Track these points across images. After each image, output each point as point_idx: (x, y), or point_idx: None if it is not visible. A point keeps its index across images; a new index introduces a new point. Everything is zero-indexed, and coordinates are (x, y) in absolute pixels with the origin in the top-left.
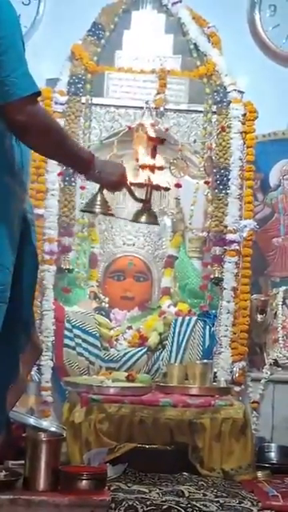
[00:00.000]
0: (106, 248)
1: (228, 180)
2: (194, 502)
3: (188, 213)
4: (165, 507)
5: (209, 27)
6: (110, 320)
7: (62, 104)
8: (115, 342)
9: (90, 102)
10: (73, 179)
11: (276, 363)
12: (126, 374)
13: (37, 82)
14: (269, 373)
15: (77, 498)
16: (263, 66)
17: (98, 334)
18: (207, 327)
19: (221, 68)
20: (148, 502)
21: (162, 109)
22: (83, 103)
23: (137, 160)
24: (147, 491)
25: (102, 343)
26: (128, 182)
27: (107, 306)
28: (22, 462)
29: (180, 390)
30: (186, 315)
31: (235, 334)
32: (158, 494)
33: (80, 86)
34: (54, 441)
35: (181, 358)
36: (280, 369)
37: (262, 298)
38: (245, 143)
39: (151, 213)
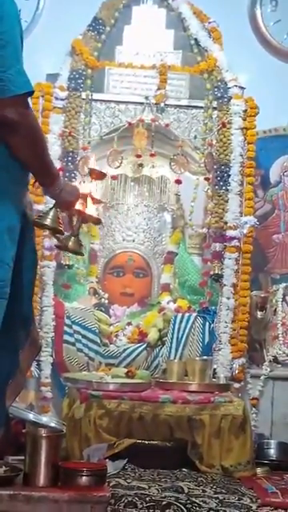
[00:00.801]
0: (106, 244)
1: (228, 176)
2: (194, 498)
3: (188, 209)
4: (164, 503)
5: (209, 22)
6: (110, 316)
7: (62, 99)
8: (115, 338)
9: (90, 97)
10: (72, 175)
11: (275, 360)
12: (126, 370)
13: (37, 77)
14: (268, 369)
15: (76, 493)
16: (264, 61)
17: (97, 330)
18: (207, 324)
19: (221, 63)
20: (147, 498)
21: (162, 104)
22: (83, 98)
23: (137, 156)
24: (147, 487)
25: (102, 339)
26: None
27: (107, 302)
28: (22, 457)
29: (179, 386)
30: (185, 311)
31: (235, 330)
32: (157, 490)
33: (80, 81)
34: (53, 436)
35: (180, 355)
36: (279, 365)
37: (262, 295)
38: (245, 139)
39: (77, 240)
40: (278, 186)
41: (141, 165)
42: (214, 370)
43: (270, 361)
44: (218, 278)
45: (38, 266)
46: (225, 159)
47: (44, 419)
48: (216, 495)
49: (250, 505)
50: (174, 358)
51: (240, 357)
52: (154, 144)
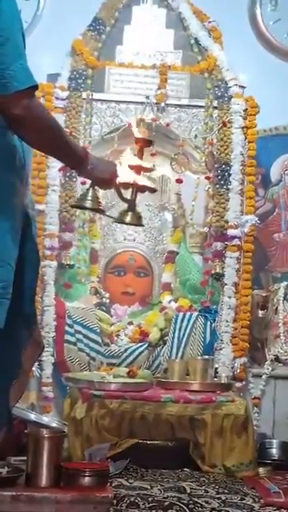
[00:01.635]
0: (107, 243)
1: (229, 175)
2: (196, 499)
3: (189, 208)
4: (166, 503)
5: (210, 22)
6: (111, 315)
7: (62, 99)
8: (116, 338)
9: (90, 97)
10: (74, 175)
11: (277, 359)
12: (127, 369)
13: (38, 77)
14: (270, 368)
15: (79, 494)
16: (264, 60)
17: (98, 330)
18: (208, 323)
19: (222, 63)
20: (150, 499)
21: (163, 104)
22: (84, 98)
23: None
24: (149, 487)
25: (103, 339)
26: (117, 181)
27: (108, 301)
28: (24, 458)
29: (181, 385)
30: (186, 311)
31: (236, 329)
32: (159, 490)
33: (81, 81)
34: (55, 437)
35: (182, 354)
36: (281, 364)
37: (263, 294)
38: (246, 138)
39: (136, 213)
40: (279, 185)
41: None
42: (216, 369)
43: (272, 360)
44: (219, 277)
45: (40, 266)
46: (225, 158)
47: (45, 419)
48: (218, 495)
49: (253, 505)
50: (176, 358)
51: (241, 356)
52: (154, 143)
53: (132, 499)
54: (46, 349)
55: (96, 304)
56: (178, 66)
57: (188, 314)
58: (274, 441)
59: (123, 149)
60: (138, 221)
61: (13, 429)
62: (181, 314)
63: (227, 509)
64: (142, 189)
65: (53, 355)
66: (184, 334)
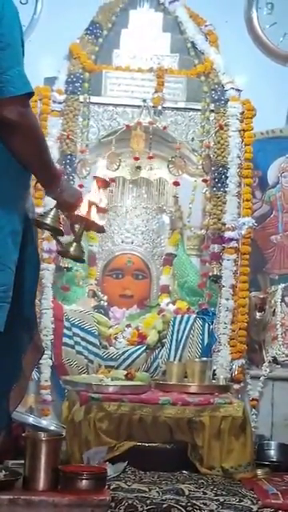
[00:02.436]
0: (105, 246)
1: (226, 178)
2: (194, 501)
3: (186, 211)
4: (165, 506)
5: (206, 25)
6: (109, 318)
7: (60, 103)
8: (114, 341)
9: (88, 100)
10: (71, 178)
11: (275, 360)
12: (125, 372)
13: (35, 81)
14: (268, 370)
15: (76, 497)
16: (261, 64)
17: (96, 333)
18: (206, 325)
19: (218, 66)
20: (148, 501)
21: (159, 107)
22: (81, 102)
23: (135, 159)
24: (147, 490)
25: (101, 341)
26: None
27: (106, 304)
28: (22, 461)
29: (179, 388)
30: (184, 313)
31: (234, 331)
32: (157, 492)
33: (78, 84)
34: (53, 440)
35: (180, 356)
36: (279, 366)
37: (261, 296)
38: (243, 141)
39: (80, 246)
40: (276, 187)
41: (139, 167)
42: (214, 371)
43: (270, 361)
44: (216, 279)
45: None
46: (222, 161)
47: (44, 422)
48: (217, 497)
49: (251, 506)
50: (174, 360)
51: (239, 358)
52: (151, 146)
53: (130, 502)
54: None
55: (94, 307)
56: (175, 70)
57: (186, 316)
58: (272, 442)
59: (120, 152)
60: (80, 254)
61: (11, 432)
62: (179, 317)
63: (225, 510)
64: (92, 225)
65: (51, 358)
66: (182, 337)
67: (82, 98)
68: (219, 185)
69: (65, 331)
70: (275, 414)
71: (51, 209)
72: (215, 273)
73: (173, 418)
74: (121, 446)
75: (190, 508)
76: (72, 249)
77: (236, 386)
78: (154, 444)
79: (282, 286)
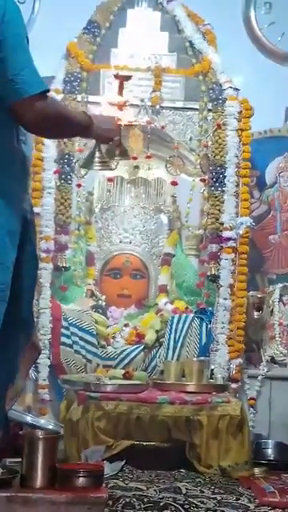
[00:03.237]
0: (103, 246)
1: (224, 177)
2: (192, 499)
3: (184, 210)
4: (162, 504)
5: (204, 25)
6: (107, 318)
7: None
8: (112, 340)
9: (85, 100)
10: (69, 177)
11: (273, 360)
12: (123, 371)
13: None
14: (265, 369)
15: (74, 495)
16: (259, 63)
17: (94, 332)
18: (204, 324)
19: (216, 65)
20: (145, 499)
21: (157, 107)
22: (79, 101)
23: (133, 158)
24: (145, 488)
25: (99, 341)
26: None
27: (104, 303)
28: (19, 459)
29: (177, 387)
30: (182, 312)
31: (232, 331)
32: (155, 491)
33: (76, 84)
34: (51, 438)
35: (178, 356)
36: (277, 365)
37: (259, 295)
38: (241, 141)
39: (122, 147)
40: (274, 187)
41: (137, 167)
42: (212, 370)
43: (268, 361)
44: (214, 278)
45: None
46: (220, 160)
47: (42, 421)
48: (214, 495)
49: (248, 505)
50: (172, 359)
51: (237, 357)
52: (149, 146)
53: (128, 500)
54: (42, 351)
55: (92, 306)
56: (173, 69)
57: (184, 315)
58: (270, 441)
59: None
60: (125, 154)
61: (8, 431)
62: (177, 316)
63: (223, 509)
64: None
65: (49, 357)
66: (180, 336)
67: (79, 98)
68: (217, 184)
69: (63, 331)
70: (273, 413)
71: (93, 150)
72: (213, 272)
73: (171, 417)
74: (119, 445)
75: (188, 506)
76: (117, 153)
77: (234, 386)
78: (151, 443)
79: (279, 285)
